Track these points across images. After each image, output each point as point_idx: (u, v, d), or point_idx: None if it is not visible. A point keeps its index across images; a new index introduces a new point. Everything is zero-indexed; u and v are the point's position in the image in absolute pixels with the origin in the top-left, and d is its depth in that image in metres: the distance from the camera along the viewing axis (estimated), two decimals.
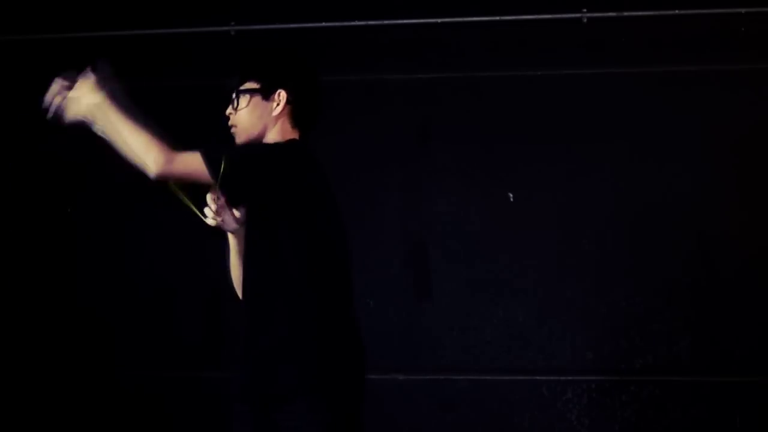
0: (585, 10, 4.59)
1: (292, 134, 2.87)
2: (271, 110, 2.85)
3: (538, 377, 4.65)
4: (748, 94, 4.59)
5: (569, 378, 4.62)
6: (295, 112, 2.87)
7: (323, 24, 4.68)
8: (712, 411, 4.53)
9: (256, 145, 2.84)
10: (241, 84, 2.87)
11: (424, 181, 4.75)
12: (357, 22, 4.69)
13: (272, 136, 2.85)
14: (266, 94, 2.85)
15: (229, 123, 2.87)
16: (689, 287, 4.59)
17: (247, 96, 2.85)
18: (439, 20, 4.66)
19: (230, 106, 2.86)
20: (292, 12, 4.73)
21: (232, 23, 4.77)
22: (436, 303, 4.71)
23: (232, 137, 2.90)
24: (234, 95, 2.86)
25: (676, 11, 4.53)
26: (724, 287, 4.56)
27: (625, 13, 4.57)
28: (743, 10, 4.50)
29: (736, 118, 4.60)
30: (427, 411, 4.69)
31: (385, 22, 4.70)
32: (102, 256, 4.86)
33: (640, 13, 4.57)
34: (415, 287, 4.73)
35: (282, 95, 2.85)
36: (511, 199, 4.72)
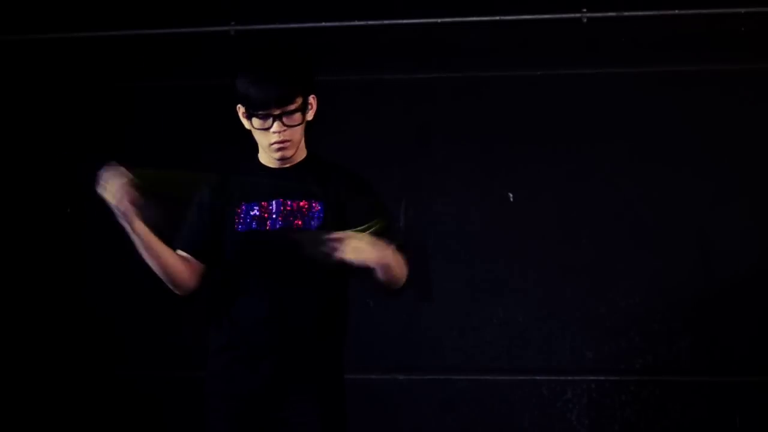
0: (585, 10, 4.59)
1: None
2: (307, 116, 2.86)
3: (538, 377, 4.65)
4: (748, 94, 4.59)
5: (569, 378, 4.62)
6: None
7: (323, 24, 4.68)
8: (712, 411, 4.53)
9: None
10: (291, 102, 2.78)
11: (424, 181, 4.75)
12: (357, 22, 4.69)
13: (302, 141, 2.88)
14: (307, 102, 2.86)
15: (282, 139, 2.79)
16: (689, 287, 4.59)
17: (299, 112, 2.81)
18: (439, 20, 4.66)
19: (280, 124, 2.78)
20: (292, 12, 4.73)
21: (232, 23, 4.76)
22: (436, 303, 4.71)
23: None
24: (283, 113, 2.78)
25: (676, 11, 4.53)
26: (724, 287, 4.56)
27: (625, 13, 4.57)
28: (743, 10, 4.50)
29: (736, 118, 4.60)
30: (427, 411, 4.69)
31: (385, 22, 4.69)
32: (102, 256, 4.85)
33: (640, 13, 4.57)
34: (415, 287, 4.72)
35: (314, 100, 2.87)
36: (511, 199, 4.72)
